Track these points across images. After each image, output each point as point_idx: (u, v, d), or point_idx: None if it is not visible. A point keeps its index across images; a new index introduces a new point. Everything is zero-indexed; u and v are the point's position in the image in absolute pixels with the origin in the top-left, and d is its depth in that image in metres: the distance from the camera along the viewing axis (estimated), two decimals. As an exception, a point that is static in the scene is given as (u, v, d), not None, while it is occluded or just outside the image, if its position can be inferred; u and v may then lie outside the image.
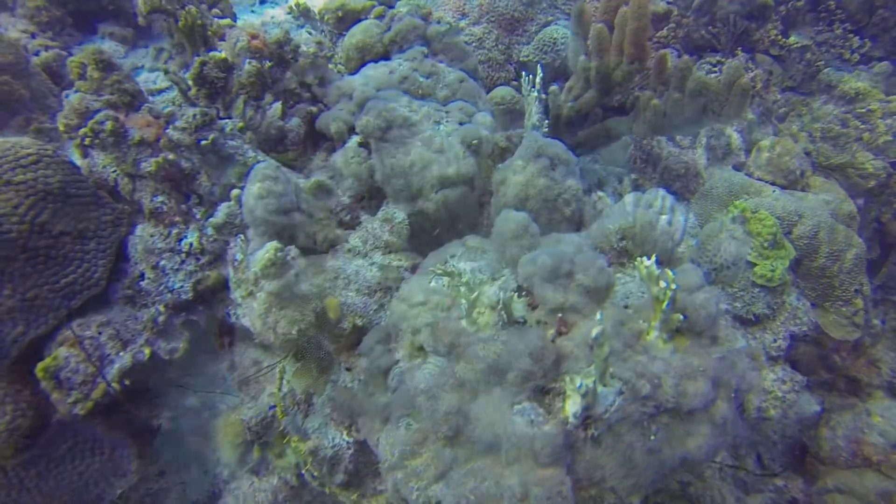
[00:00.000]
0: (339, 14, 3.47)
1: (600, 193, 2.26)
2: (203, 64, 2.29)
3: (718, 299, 1.57)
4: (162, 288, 2.33)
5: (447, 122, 2.48)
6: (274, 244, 1.97)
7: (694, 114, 2.91)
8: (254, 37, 2.31)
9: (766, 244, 2.80)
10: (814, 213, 2.97)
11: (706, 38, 4.98)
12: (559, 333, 1.62)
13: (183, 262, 2.38)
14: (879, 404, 3.55)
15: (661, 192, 1.95)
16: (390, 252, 2.34)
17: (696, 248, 2.02)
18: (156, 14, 2.45)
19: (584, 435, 1.48)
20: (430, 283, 1.98)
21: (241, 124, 2.29)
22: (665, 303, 1.48)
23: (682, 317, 1.52)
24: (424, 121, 2.42)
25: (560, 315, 1.63)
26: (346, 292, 2.28)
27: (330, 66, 2.91)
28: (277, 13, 5.26)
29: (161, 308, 2.29)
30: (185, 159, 2.13)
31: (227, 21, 2.64)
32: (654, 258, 1.61)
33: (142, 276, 2.33)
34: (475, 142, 2.29)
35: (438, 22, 2.98)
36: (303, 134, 2.60)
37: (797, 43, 5.46)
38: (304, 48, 2.65)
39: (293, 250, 2.08)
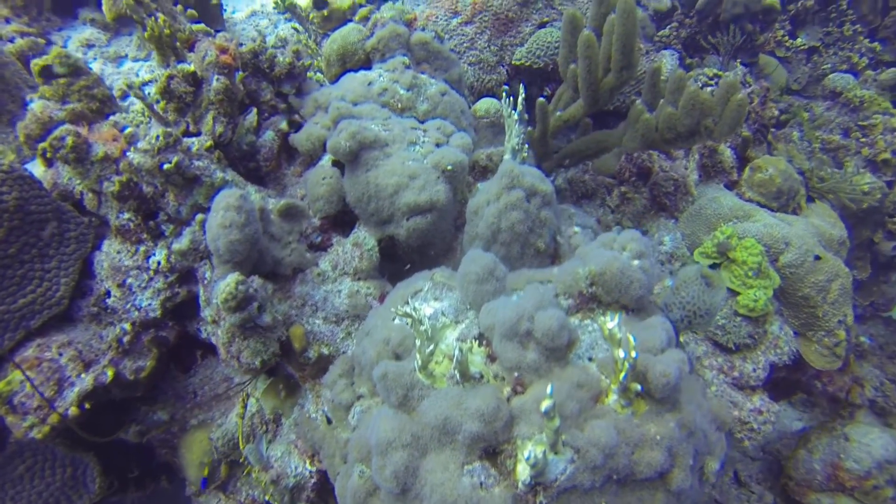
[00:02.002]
0: (325, 13, 3.35)
1: (575, 229, 2.19)
2: (170, 78, 2.20)
3: (682, 364, 1.52)
4: (129, 306, 2.29)
5: (423, 142, 2.39)
6: (235, 277, 1.92)
7: (687, 130, 2.82)
8: (223, 50, 2.21)
9: (750, 273, 2.74)
10: (802, 241, 2.90)
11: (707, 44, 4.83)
12: (515, 392, 1.58)
13: (151, 279, 2.33)
14: (858, 429, 3.53)
15: (636, 234, 1.89)
16: (359, 279, 2.29)
17: (671, 291, 1.97)
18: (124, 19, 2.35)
19: (533, 501, 1.45)
20: (393, 319, 1.94)
21: (208, 143, 2.21)
22: (623, 373, 1.43)
23: (639, 387, 1.47)
24: (398, 141, 2.34)
25: (517, 374, 1.58)
26: (313, 320, 2.24)
27: (310, 73, 2.81)
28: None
29: (127, 326, 2.25)
30: (146, 184, 2.06)
31: (200, 27, 2.54)
32: (618, 318, 1.56)
33: (108, 293, 2.28)
34: (449, 168, 2.21)
35: (423, 29, 2.87)
36: (277, 148, 2.53)
37: (804, 44, 5.30)
38: (280, 58, 2.56)
39: (256, 281, 2.03)
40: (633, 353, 1.43)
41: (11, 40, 3.05)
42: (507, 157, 2.40)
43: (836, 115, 5.00)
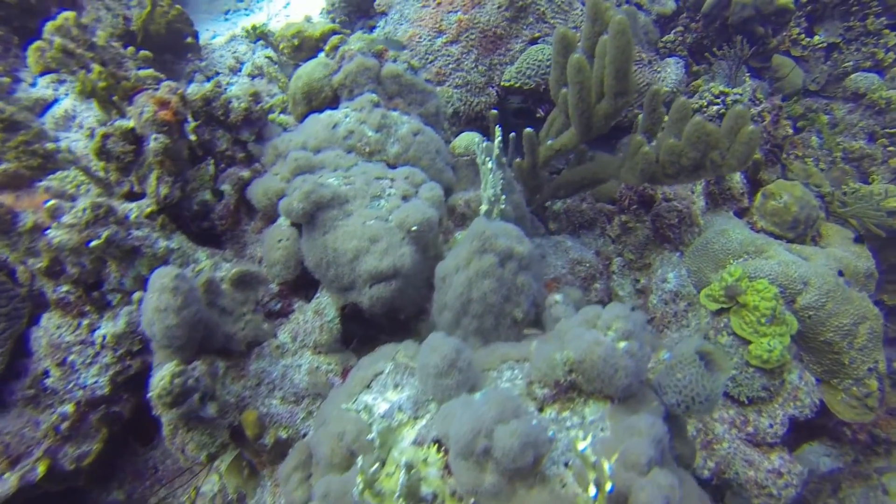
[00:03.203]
0: (296, 42, 3.13)
1: (556, 297, 1.94)
2: (105, 137, 2.00)
3: (671, 492, 1.27)
4: (72, 385, 2.10)
5: (390, 194, 2.16)
6: (170, 369, 1.71)
7: (691, 163, 2.53)
8: (162, 104, 2.00)
9: (763, 319, 2.46)
10: (822, 280, 2.60)
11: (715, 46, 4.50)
12: (473, 521, 1.34)
13: (98, 354, 2.13)
14: None
15: (623, 311, 1.63)
16: (320, 353, 2.07)
17: (666, 369, 1.72)
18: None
19: None
20: (348, 410, 1.71)
21: (149, 209, 2.01)
22: (596, 511, 1.19)
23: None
24: (360, 197, 2.11)
25: (473, 501, 1.35)
26: (269, 400, 2.02)
27: (273, 116, 2.59)
28: (256, 21, 4.90)
29: (70, 408, 2.07)
30: (70, 264, 1.86)
31: (148, 73, 2.34)
32: (590, 439, 1.32)
33: (46, 373, 2.10)
34: (414, 229, 1.97)
35: (395, 60, 2.63)
36: (234, 203, 2.31)
37: (822, 43, 4.93)
38: (235, 104, 2.34)
39: (200, 367, 1.82)
40: (608, 487, 1.19)
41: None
42: (483, 207, 2.15)
43: (858, 119, 4.63)
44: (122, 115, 2.17)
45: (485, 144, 2.07)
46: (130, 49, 2.49)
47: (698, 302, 2.78)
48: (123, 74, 2.22)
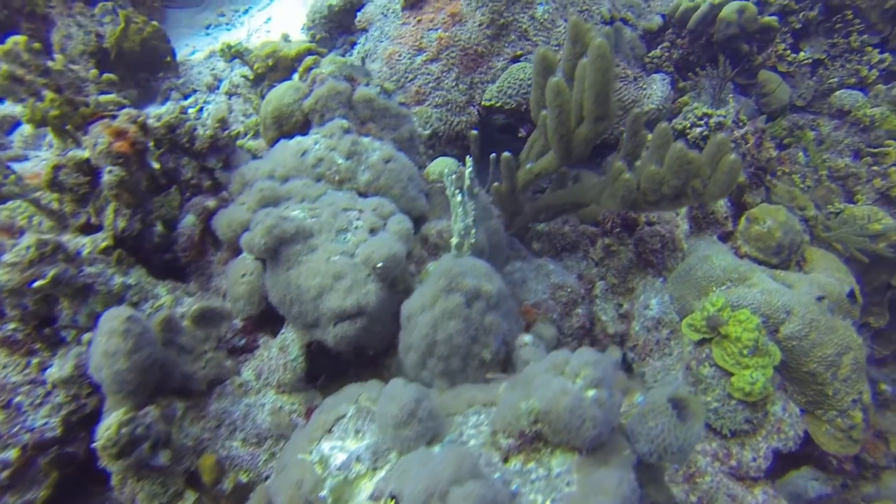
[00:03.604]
0: (270, 63, 3.06)
1: (525, 339, 1.86)
2: (56, 168, 1.92)
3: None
4: (17, 429, 2.00)
5: (357, 227, 2.08)
6: (118, 417, 1.62)
7: (672, 192, 2.47)
8: (119, 135, 1.92)
9: (745, 351, 2.40)
10: (805, 309, 2.54)
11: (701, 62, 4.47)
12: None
13: (49, 393, 2.04)
14: (882, 507, 3.15)
15: (593, 357, 1.56)
16: (283, 392, 1.98)
17: (638, 416, 1.64)
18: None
19: None
20: (304, 461, 1.63)
21: (103, 244, 1.92)
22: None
23: None
24: (326, 230, 2.03)
25: (428, 572, 1.27)
26: (230, 442, 1.93)
27: (241, 142, 2.52)
28: (236, 37, 4.84)
29: (13, 454, 1.97)
30: (10, 306, 1.77)
31: (110, 98, 2.25)
32: (553, 496, 1.24)
33: (-8, 417, 2.00)
34: (380, 265, 1.90)
35: (367, 84, 2.56)
36: (199, 234, 2.23)
37: (808, 59, 4.91)
38: (200, 131, 2.27)
39: (151, 414, 1.73)
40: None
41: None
42: (453, 240, 2.08)
43: (844, 136, 4.60)
44: (78, 145, 2.08)
45: (453, 176, 2.00)
46: (93, 72, 2.41)
47: (681, 329, 2.72)
48: (82, 100, 2.14)
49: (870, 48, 4.80)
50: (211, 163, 2.32)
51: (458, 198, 1.99)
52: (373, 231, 2.07)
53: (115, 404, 1.73)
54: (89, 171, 1.98)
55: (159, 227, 2.05)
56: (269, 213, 1.99)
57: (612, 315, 3.12)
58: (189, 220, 2.21)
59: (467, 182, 2.04)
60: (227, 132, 2.33)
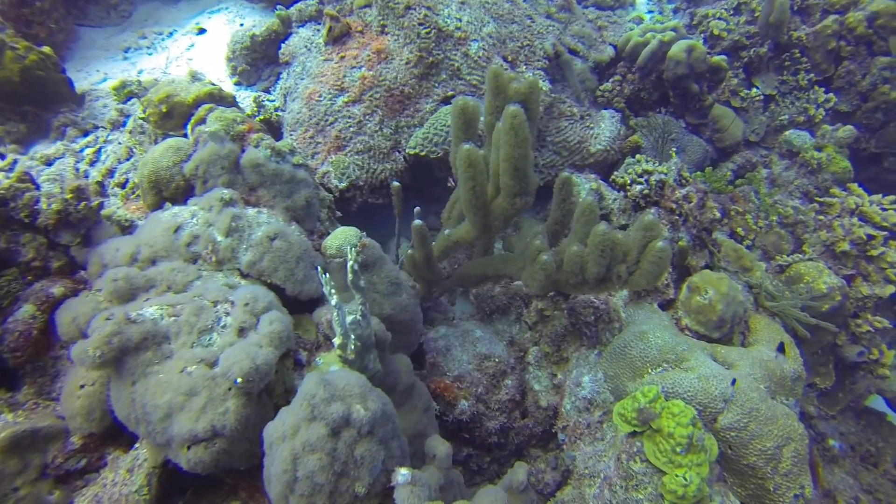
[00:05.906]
0: (164, 109, 2.73)
1: (401, 474, 1.58)
2: None
3: None
4: None
5: (224, 325, 1.77)
6: None
7: (594, 277, 2.22)
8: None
9: (678, 448, 2.16)
10: (745, 397, 2.32)
11: (651, 100, 4.28)
12: None
13: None
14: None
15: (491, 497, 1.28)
16: (126, 530, 1.66)
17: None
18: None
19: None
20: None
21: None
22: None
23: None
24: (185, 332, 1.72)
25: None
26: None
27: (107, 211, 2.18)
28: (156, 63, 4.48)
29: None
30: None
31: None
32: None
33: None
34: (239, 381, 1.59)
35: (257, 146, 2.25)
36: (39, 327, 1.89)
37: (759, 96, 4.78)
38: (44, 204, 1.93)
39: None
40: None
41: None
42: (336, 340, 1.78)
43: (794, 176, 4.47)
44: None
45: (327, 276, 1.70)
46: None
47: (613, 415, 2.47)
48: None
49: (817, 87, 4.69)
50: (64, 239, 1.99)
51: (333, 301, 1.69)
52: (242, 331, 1.77)
53: None
54: None
55: (57, 291, 1.71)
56: (112, 315, 1.67)
57: (546, 384, 2.86)
58: (26, 312, 1.87)
59: (351, 276, 1.74)
60: (84, 203, 2.00)
